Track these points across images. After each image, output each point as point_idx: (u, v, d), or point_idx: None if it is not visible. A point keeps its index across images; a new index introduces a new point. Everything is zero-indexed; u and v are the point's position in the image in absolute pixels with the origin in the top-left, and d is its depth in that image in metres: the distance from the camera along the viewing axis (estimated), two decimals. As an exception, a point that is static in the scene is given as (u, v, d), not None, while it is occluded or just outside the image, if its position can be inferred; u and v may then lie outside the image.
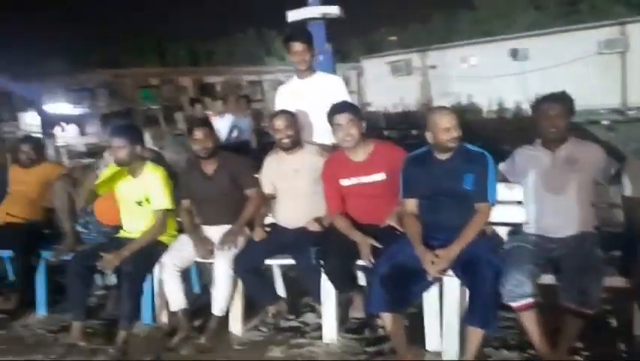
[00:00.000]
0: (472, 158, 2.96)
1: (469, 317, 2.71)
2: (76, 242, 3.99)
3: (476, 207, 2.91)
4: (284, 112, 3.55)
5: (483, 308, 2.66)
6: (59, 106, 20.15)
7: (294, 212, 3.53)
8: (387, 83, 23.05)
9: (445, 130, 2.92)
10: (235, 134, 8.13)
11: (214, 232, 3.62)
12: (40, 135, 17.25)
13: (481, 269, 2.70)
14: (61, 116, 18.80)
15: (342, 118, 3.19)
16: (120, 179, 3.72)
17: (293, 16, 9.22)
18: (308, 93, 3.77)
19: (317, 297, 3.36)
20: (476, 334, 2.70)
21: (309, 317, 3.68)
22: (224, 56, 48.73)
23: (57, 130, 17.20)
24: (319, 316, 3.59)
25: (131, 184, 3.68)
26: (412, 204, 3.07)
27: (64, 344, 3.49)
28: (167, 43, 53.72)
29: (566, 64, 18.58)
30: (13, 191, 4.31)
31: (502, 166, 3.15)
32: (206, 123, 3.74)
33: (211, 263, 3.72)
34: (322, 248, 3.21)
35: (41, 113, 17.81)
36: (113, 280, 3.73)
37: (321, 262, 3.18)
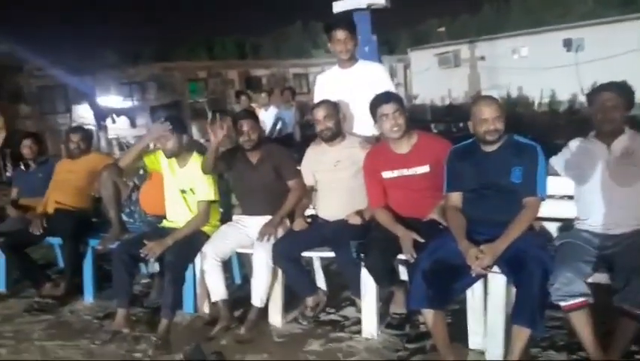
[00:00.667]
0: (521, 150, 2.84)
1: (516, 315, 2.59)
2: (122, 231, 4.07)
3: (524, 202, 2.79)
4: (325, 102, 3.49)
5: (530, 307, 2.54)
6: (111, 99, 20.76)
7: (334, 204, 3.48)
8: (434, 76, 22.67)
9: (483, 121, 2.81)
10: (279, 126, 8.15)
11: (254, 223, 3.62)
12: (92, 127, 17.86)
13: (528, 266, 2.58)
14: (112, 109, 19.38)
15: (389, 108, 3.11)
16: (164, 169, 3.76)
17: (339, 6, 9.12)
18: (350, 83, 3.69)
19: (357, 291, 3.31)
20: (523, 333, 2.58)
21: (349, 311, 3.63)
22: (271, 50, 49.08)
23: (108, 122, 17.73)
24: (359, 310, 3.54)
25: (177, 174, 3.73)
26: (456, 198, 2.97)
27: (108, 330, 3.55)
28: (215, 37, 54.52)
29: (622, 55, 17.79)
30: (62, 180, 4.42)
31: (553, 160, 3.00)
32: (251, 115, 3.74)
33: (252, 254, 3.74)
34: (363, 242, 3.16)
35: (94, 105, 18.40)
36: (156, 268, 3.78)
37: (362, 255, 3.12)
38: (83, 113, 18.70)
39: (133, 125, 19.39)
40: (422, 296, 2.71)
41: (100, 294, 4.24)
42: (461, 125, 12.59)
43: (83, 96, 19.88)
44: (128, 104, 21.79)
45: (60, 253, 4.95)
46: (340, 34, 3.63)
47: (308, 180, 3.65)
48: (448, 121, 15.28)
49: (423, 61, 23.92)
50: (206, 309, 3.76)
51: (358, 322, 3.39)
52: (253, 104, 9.00)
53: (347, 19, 3.97)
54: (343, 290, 3.88)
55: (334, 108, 3.47)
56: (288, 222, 3.65)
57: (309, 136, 8.74)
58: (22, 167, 4.79)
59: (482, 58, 22.23)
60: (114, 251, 3.63)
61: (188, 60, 33.23)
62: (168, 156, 3.67)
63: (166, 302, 3.42)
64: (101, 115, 18.04)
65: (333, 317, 3.59)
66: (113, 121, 17.99)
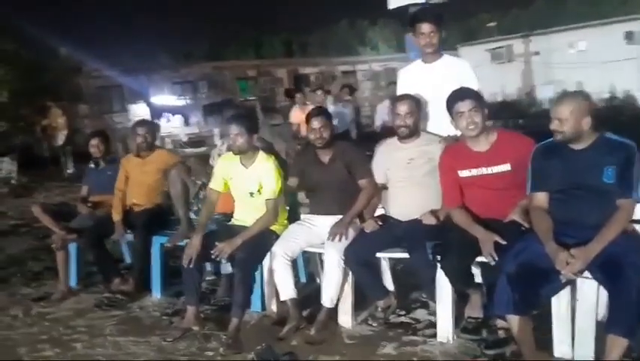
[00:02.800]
0: (614, 148, 2.66)
1: (611, 324, 2.44)
2: (190, 229, 4.09)
3: (618, 203, 2.62)
4: (408, 97, 3.39)
5: (628, 315, 2.38)
6: (164, 98, 21.22)
7: (407, 203, 3.39)
8: (486, 71, 22.10)
9: (554, 120, 2.67)
10: (335, 123, 8.09)
11: (324, 222, 3.56)
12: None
13: (625, 271, 2.43)
14: (167, 108, 19.80)
15: (464, 105, 3.00)
16: (232, 171, 3.74)
17: (395, 2, 8.97)
18: (433, 78, 3.56)
19: (431, 293, 3.21)
20: (618, 343, 2.43)
21: (420, 314, 3.54)
22: (318, 47, 49.08)
23: (163, 120, 18.11)
24: (430, 313, 3.46)
25: (243, 175, 3.69)
26: (542, 198, 2.82)
27: (179, 327, 3.57)
28: (263, 35, 54.91)
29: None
30: (138, 181, 4.47)
31: None
32: (323, 112, 3.68)
33: (319, 253, 3.69)
34: (439, 243, 3.06)
35: (149, 104, 18.84)
36: (229, 269, 3.75)
37: (438, 257, 3.02)
38: (139, 112, 19.14)
39: (186, 123, 19.76)
40: (508, 301, 2.59)
41: (167, 291, 4.29)
42: (520, 121, 12.26)
43: (138, 96, 20.40)
44: (181, 102, 22.23)
45: (127, 249, 5.05)
46: (425, 27, 3.51)
47: (379, 178, 3.57)
48: (502, 118, 14.91)
49: (474, 56, 23.37)
50: (274, 308, 3.73)
51: (431, 325, 3.30)
52: (308, 102, 8.98)
53: (433, 11, 3.78)
54: (412, 292, 3.80)
55: (416, 105, 3.37)
56: (358, 221, 3.59)
57: (366, 134, 8.69)
58: (92, 165, 4.89)
59: (536, 53, 21.63)
60: (184, 248, 3.64)
61: (238, 59, 33.61)
62: (236, 153, 3.65)
63: (236, 301, 3.41)
64: (156, 114, 18.45)
65: (403, 319, 3.50)
66: (168, 120, 18.36)
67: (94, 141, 4.87)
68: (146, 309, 4.08)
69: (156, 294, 4.27)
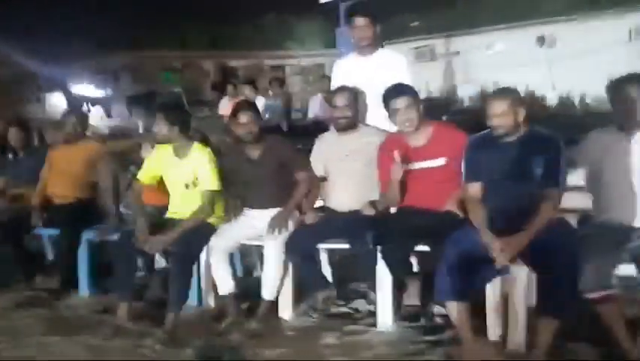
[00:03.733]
0: (542, 141, 2.83)
1: (543, 305, 2.59)
2: (120, 222, 3.94)
3: (545, 194, 2.78)
4: (346, 89, 3.42)
5: (557, 296, 2.53)
6: (84, 88, 20.24)
7: (346, 195, 3.43)
8: (411, 69, 22.71)
9: (490, 116, 2.80)
10: (267, 116, 8.03)
11: (261, 215, 3.53)
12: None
13: (553, 257, 2.58)
14: (86, 98, 18.90)
15: (401, 102, 3.08)
16: (165, 163, 3.63)
17: (325, -4, 9.03)
18: (368, 71, 3.63)
19: (371, 283, 3.26)
20: (549, 324, 2.58)
21: (359, 304, 3.59)
22: (244, 41, 48.46)
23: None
24: (370, 302, 3.52)
25: (178, 167, 3.59)
26: (475, 189, 2.95)
27: (110, 325, 3.43)
28: (188, 27, 53.59)
29: (596, 51, 18.14)
30: (60, 170, 4.25)
31: (571, 151, 3.00)
32: (251, 107, 3.64)
33: (257, 246, 3.66)
34: (379, 232, 3.12)
35: (67, 94, 17.89)
36: (163, 263, 3.64)
37: (378, 246, 3.08)
38: (55, 103, 18.17)
39: (108, 114, 18.94)
40: (448, 288, 2.69)
41: (96, 288, 4.10)
42: (443, 118, 12.68)
43: (55, 85, 19.35)
44: (101, 93, 21.29)
45: (50, 245, 4.77)
46: (360, 20, 3.57)
47: (318, 171, 3.59)
48: (427, 115, 15.35)
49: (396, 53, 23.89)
50: (211, 302, 3.66)
51: (370, 314, 3.36)
52: (239, 95, 8.87)
53: (367, 5, 3.87)
54: (351, 282, 3.84)
55: (354, 97, 3.40)
56: (297, 213, 3.59)
57: (297, 127, 8.69)
58: (10, 156, 4.59)
59: (457, 53, 22.40)
60: (116, 242, 3.50)
61: (161, 50, 32.60)
62: (161, 143, 3.57)
63: (172, 296, 3.31)
64: (74, 104, 17.56)
65: (344, 309, 3.54)
66: (88, 110, 17.52)
67: (12, 130, 4.58)
68: (73, 307, 3.87)
69: (84, 291, 4.06)
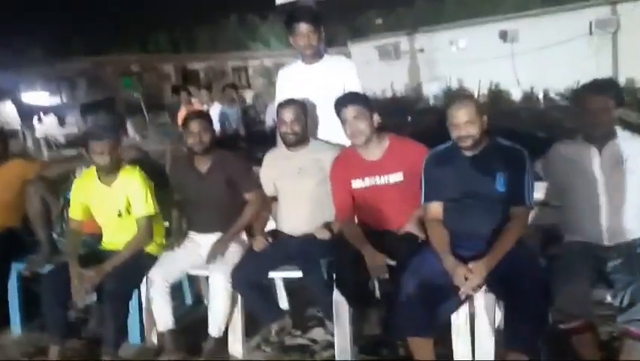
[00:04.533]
0: (505, 154, 2.58)
1: (510, 338, 2.34)
2: (52, 253, 3.57)
3: (512, 212, 2.53)
4: (293, 102, 3.12)
5: (527, 328, 2.29)
6: (37, 96, 19.48)
7: (298, 217, 3.13)
8: (375, 68, 22.59)
9: (454, 126, 2.54)
10: (219, 124, 7.67)
11: (208, 241, 3.22)
12: (17, 126, 16.63)
13: (522, 283, 2.33)
14: (39, 107, 18.15)
15: (349, 112, 2.79)
16: (91, 192, 3.26)
17: (281, -3, 8.68)
18: (315, 81, 3.33)
19: (328, 313, 2.97)
20: (517, 358, 2.33)
21: (317, 333, 3.29)
22: (206, 43, 47.77)
23: (35, 121, 16.58)
24: (328, 332, 3.23)
25: (106, 195, 3.21)
26: (436, 209, 2.68)
27: (41, 369, 3.07)
28: (148, 30, 52.55)
29: (557, 45, 18.29)
30: None
31: (536, 164, 2.76)
32: (203, 115, 3.32)
33: (206, 277, 3.32)
34: (334, 259, 2.83)
35: (17, 103, 17.14)
36: (93, 298, 3.27)
37: (333, 275, 2.80)
38: (5, 112, 17.41)
39: (62, 123, 18.21)
40: (409, 324, 2.42)
41: (28, 325, 3.71)
42: (409, 118, 12.53)
43: (4, 93, 18.54)
44: (55, 101, 20.53)
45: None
46: (303, 27, 3.25)
47: (268, 190, 3.29)
48: (392, 115, 15.20)
49: (363, 53, 23.76)
50: (154, 339, 3.32)
51: (329, 345, 3.07)
52: (194, 100, 8.50)
53: (310, 10, 3.57)
54: (307, 308, 3.55)
55: (302, 110, 3.11)
56: (245, 238, 3.28)
57: (256, 133, 8.36)
58: None
59: (421, 50, 22.35)
60: (44, 278, 3.14)
61: (121, 54, 31.81)
62: (106, 171, 3.17)
63: (107, 338, 2.97)
64: (26, 113, 16.84)
65: (300, 340, 3.25)
66: (40, 120, 16.82)
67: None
68: (3, 349, 3.50)
69: (15, 329, 3.68)
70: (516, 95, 18.86)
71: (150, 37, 51.29)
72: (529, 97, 18.24)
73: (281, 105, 3.12)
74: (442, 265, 2.48)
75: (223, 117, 7.40)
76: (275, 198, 3.32)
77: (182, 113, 8.17)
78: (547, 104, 15.59)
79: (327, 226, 3.05)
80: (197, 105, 8.14)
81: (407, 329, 2.43)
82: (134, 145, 3.81)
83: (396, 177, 2.84)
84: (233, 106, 7.72)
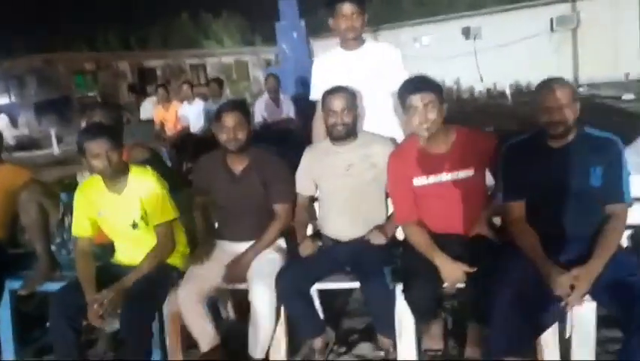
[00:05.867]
0: (598, 145, 2.30)
1: (625, 355, 2.06)
2: (52, 268, 3.09)
3: (610, 210, 2.26)
4: (343, 90, 2.75)
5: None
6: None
7: (347, 220, 2.78)
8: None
9: (549, 110, 2.25)
10: (204, 122, 7.20)
11: (240, 250, 2.83)
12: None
13: (636, 292, 2.06)
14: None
15: (418, 99, 2.45)
16: (99, 203, 2.78)
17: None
18: (356, 69, 3.00)
19: (386, 328, 2.63)
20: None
21: (364, 349, 2.95)
22: (158, 42, 46.44)
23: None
24: (378, 347, 2.89)
25: (117, 205, 2.74)
26: (520, 208, 2.38)
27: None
28: (97, 28, 50.68)
29: (520, 42, 18.52)
30: None
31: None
32: (238, 106, 2.89)
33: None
34: (401, 268, 2.51)
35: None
36: (115, 326, 2.78)
37: (400, 286, 2.46)
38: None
39: (14, 124, 17.14)
40: (508, 341, 2.10)
41: (23, 350, 3.23)
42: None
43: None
44: (4, 100, 19.34)
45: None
46: (347, 8, 2.92)
47: (306, 190, 2.92)
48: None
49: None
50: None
51: (382, 362, 2.75)
52: (172, 98, 7.98)
53: None
54: (343, 318, 3.22)
55: (354, 99, 2.75)
56: (283, 244, 2.91)
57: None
58: None
59: (385, 47, 22.24)
60: (54, 297, 2.67)
61: (72, 51, 30.41)
62: (110, 178, 2.70)
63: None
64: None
65: (346, 358, 2.90)
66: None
67: None
68: (-6, 381, 3.02)
69: (8, 357, 3.18)
70: (480, 91, 19.05)
71: (99, 34, 49.50)
72: (492, 94, 18.44)
73: (330, 93, 2.75)
74: (535, 273, 2.18)
75: (208, 115, 6.92)
76: (313, 199, 2.97)
77: (158, 112, 7.67)
78: (515, 100, 15.68)
79: (381, 229, 2.71)
80: (175, 102, 7.63)
81: (507, 347, 2.11)
82: (138, 144, 3.34)
83: (466, 172, 2.52)
84: (217, 102, 7.24)
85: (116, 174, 2.67)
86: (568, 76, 18.42)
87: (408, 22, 22.69)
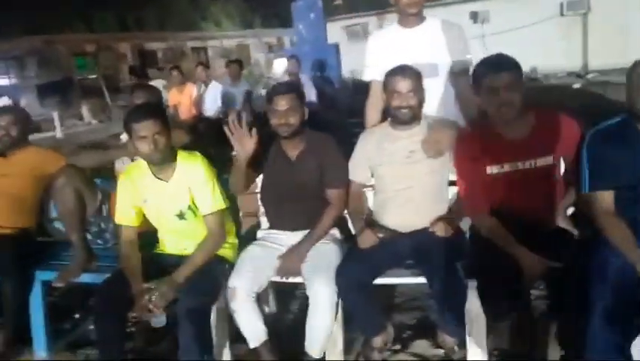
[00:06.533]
0: None
1: None
2: (88, 258, 2.92)
3: None
4: (408, 69, 2.53)
5: None
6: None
7: (409, 210, 2.59)
8: (344, 49, 21.99)
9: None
10: (219, 105, 6.97)
11: (294, 240, 2.66)
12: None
13: None
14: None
15: (499, 80, 2.26)
16: (144, 190, 2.61)
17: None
18: (416, 47, 2.79)
19: (455, 325, 2.46)
20: None
21: (420, 346, 2.79)
22: (155, 23, 45.89)
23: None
24: (434, 344, 2.74)
25: (164, 192, 2.56)
26: (609, 199, 2.20)
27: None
28: (93, 9, 50.03)
29: (528, 26, 18.24)
30: None
31: None
32: (292, 88, 2.70)
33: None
34: (473, 262, 2.33)
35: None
36: (162, 321, 2.60)
37: (475, 282, 2.29)
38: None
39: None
40: (609, 345, 1.94)
41: (54, 343, 3.07)
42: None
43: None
44: (4, 81, 19.00)
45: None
46: None
47: (360, 176, 2.73)
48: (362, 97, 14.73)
49: (331, 34, 23.06)
50: (226, 358, 2.72)
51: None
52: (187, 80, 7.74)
53: None
54: (395, 317, 3.06)
55: (420, 80, 2.54)
56: (338, 233, 2.73)
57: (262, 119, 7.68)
58: None
59: (391, 30, 21.93)
60: (99, 290, 2.49)
61: (70, 33, 29.97)
62: (156, 163, 2.53)
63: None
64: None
65: (403, 357, 2.74)
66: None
67: None
68: (28, 376, 2.86)
69: (40, 352, 3.01)
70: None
71: (96, 14, 48.84)
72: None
73: (394, 73, 2.54)
74: (633, 271, 2.01)
75: (226, 98, 6.69)
76: (364, 187, 2.78)
77: (172, 94, 7.44)
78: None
79: (445, 220, 2.53)
80: (189, 85, 7.39)
81: (607, 353, 1.94)
82: (182, 129, 3.16)
83: (545, 160, 2.34)
84: (237, 85, 7.02)
85: (163, 159, 2.48)
86: (577, 62, 18.24)
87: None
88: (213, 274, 2.54)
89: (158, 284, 2.36)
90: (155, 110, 2.55)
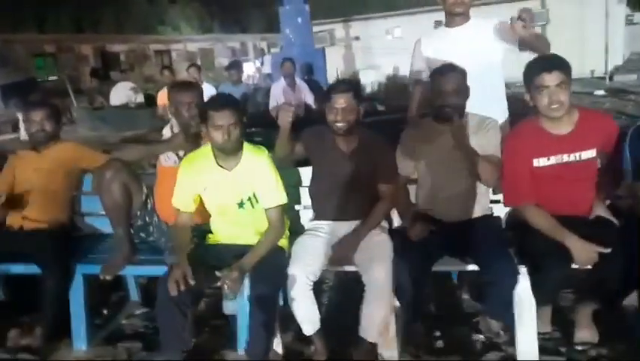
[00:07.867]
0: None
1: None
2: (132, 251, 2.93)
3: None
4: (454, 69, 2.66)
5: None
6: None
7: (453, 201, 2.74)
8: (310, 54, 22.19)
9: None
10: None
11: (347, 229, 2.77)
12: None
13: None
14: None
15: (551, 78, 2.42)
16: (206, 179, 2.66)
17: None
18: (461, 46, 2.94)
19: (504, 311, 2.60)
20: None
21: (460, 332, 2.93)
22: (111, 25, 44.97)
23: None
24: (475, 329, 2.88)
25: (226, 181, 2.63)
26: (653, 190, 2.41)
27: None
28: (46, 10, 48.57)
29: (490, 37, 18.85)
30: (25, 183, 3.13)
31: None
32: (352, 86, 2.79)
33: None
34: (525, 250, 2.49)
35: None
36: (232, 307, 2.66)
37: (526, 268, 2.45)
38: None
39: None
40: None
41: (95, 337, 3.07)
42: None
43: None
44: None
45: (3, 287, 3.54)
46: None
47: (405, 169, 2.86)
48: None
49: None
50: (278, 348, 2.79)
51: (490, 347, 2.74)
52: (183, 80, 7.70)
53: None
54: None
55: (465, 79, 2.68)
56: (386, 225, 2.85)
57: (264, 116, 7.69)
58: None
59: (357, 38, 22.27)
60: (161, 282, 2.52)
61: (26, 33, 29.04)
62: (227, 153, 2.60)
63: (255, 352, 2.44)
64: None
65: (445, 342, 2.86)
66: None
67: None
68: (71, 371, 2.85)
69: (80, 344, 3.00)
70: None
71: (49, 17, 47.44)
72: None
73: (440, 73, 2.68)
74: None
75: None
76: (409, 180, 2.92)
77: (162, 94, 7.41)
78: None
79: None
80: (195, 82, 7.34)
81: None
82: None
83: (589, 153, 2.53)
84: (237, 85, 7.04)
85: (233, 150, 2.54)
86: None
87: (379, 13, 22.76)
88: (277, 262, 2.61)
89: (228, 271, 2.42)
90: (235, 101, 2.62)
